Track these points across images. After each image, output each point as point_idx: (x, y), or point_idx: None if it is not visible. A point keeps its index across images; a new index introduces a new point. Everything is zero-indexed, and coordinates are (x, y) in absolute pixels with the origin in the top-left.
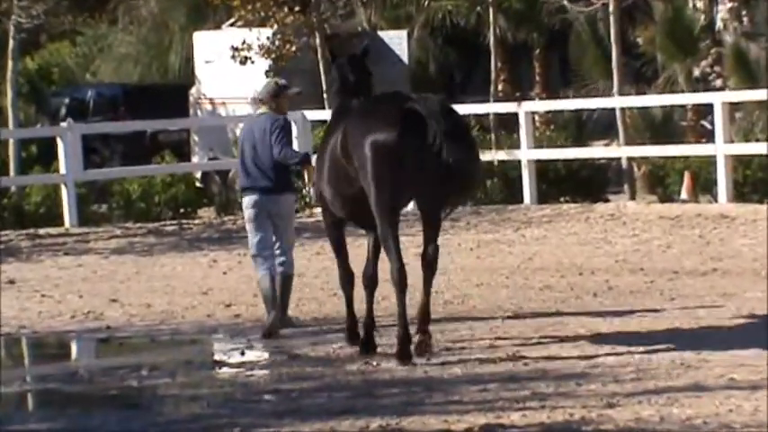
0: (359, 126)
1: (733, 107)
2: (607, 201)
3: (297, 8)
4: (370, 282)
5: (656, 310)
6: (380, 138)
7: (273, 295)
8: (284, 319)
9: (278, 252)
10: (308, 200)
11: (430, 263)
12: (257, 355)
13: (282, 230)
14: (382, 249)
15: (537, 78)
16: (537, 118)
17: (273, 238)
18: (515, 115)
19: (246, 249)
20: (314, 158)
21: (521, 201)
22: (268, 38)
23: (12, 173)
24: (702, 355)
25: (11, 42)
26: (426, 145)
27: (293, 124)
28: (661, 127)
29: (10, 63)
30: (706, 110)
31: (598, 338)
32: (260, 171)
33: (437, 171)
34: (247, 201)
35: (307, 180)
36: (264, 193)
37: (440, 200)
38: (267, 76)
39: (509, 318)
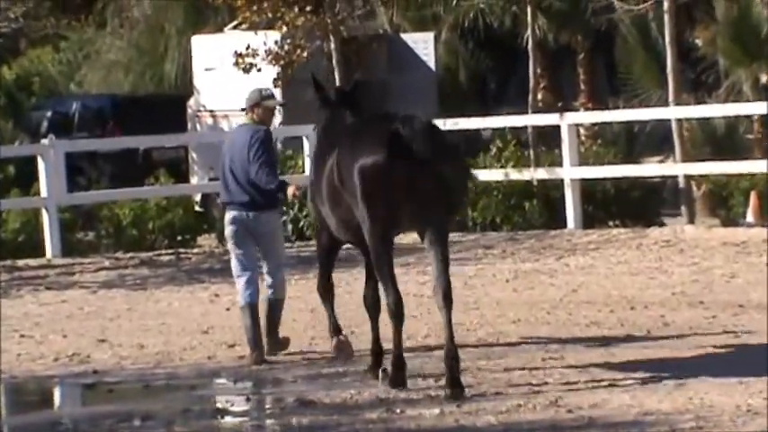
0: (347, 152)
1: None
2: (662, 225)
3: (309, 8)
4: (373, 310)
5: (718, 349)
6: (368, 162)
7: (254, 333)
8: (277, 343)
9: (265, 274)
10: (302, 225)
11: (445, 294)
12: (264, 401)
13: (267, 250)
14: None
15: (581, 86)
16: (582, 131)
17: (260, 260)
18: (557, 128)
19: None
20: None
21: (564, 225)
22: (276, 42)
23: None
24: None
25: None
26: (416, 166)
27: (305, 140)
28: (723, 141)
29: None
30: None
31: (652, 381)
32: (239, 185)
33: (427, 191)
34: (227, 217)
35: (290, 199)
36: (244, 208)
37: (440, 222)
38: (276, 86)
39: (551, 358)
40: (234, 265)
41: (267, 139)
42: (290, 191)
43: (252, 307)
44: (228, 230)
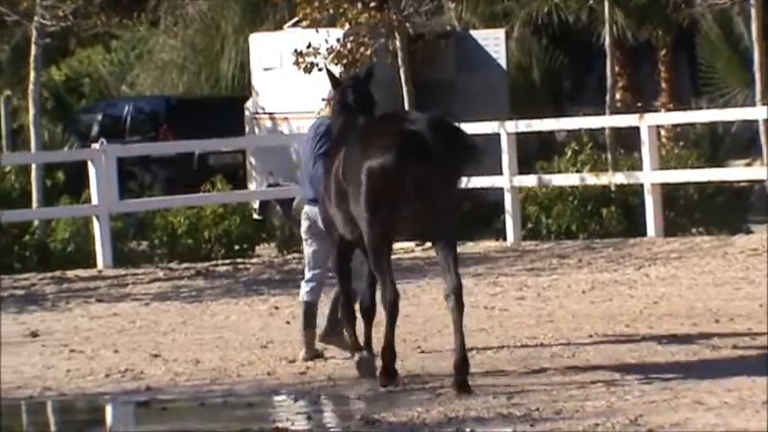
0: (356, 151)
1: None
2: (749, 232)
3: (373, 4)
4: (368, 312)
5: None
6: (376, 163)
7: (305, 331)
8: (332, 335)
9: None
10: None
11: (456, 300)
12: (327, 420)
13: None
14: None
15: (662, 85)
16: (663, 133)
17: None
18: (636, 130)
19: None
20: None
21: (644, 233)
22: (338, 40)
23: (34, 204)
24: None
25: (33, 49)
26: (427, 168)
27: None
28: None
29: (32, 74)
30: None
31: (740, 401)
32: (308, 180)
33: (436, 193)
34: (303, 211)
35: None
36: (313, 203)
37: (447, 224)
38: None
39: (630, 374)
40: (305, 258)
41: (329, 133)
42: None
43: (306, 305)
44: (302, 225)
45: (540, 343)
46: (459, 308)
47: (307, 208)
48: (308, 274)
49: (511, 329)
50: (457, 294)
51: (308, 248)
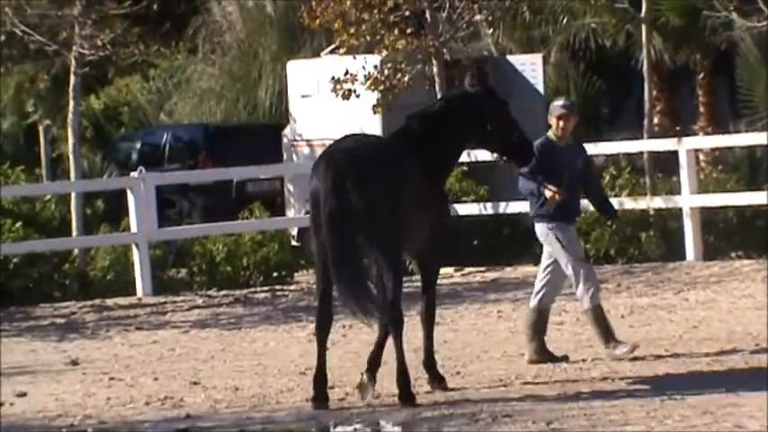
0: None
1: None
2: None
3: (409, 30)
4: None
5: None
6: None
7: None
8: (540, 351)
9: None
10: None
11: (391, 318)
12: None
13: (545, 261)
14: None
15: (700, 109)
16: (701, 156)
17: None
18: (675, 154)
19: (351, 320)
20: None
21: (683, 257)
22: (375, 66)
23: (74, 233)
24: None
25: (72, 78)
26: (328, 197)
27: None
28: None
29: (71, 103)
30: None
31: None
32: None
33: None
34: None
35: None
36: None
37: (375, 249)
38: (375, 112)
39: (670, 399)
40: None
41: (538, 151)
42: (548, 193)
43: (538, 312)
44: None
45: (579, 368)
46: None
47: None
48: (538, 284)
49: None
50: (394, 316)
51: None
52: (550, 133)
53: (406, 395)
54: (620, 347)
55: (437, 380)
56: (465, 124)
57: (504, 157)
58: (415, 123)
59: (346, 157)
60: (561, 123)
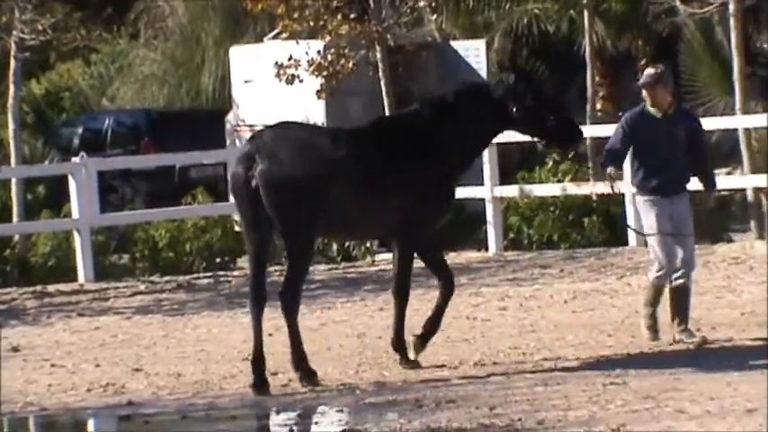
0: None
1: None
2: (730, 241)
3: (353, 15)
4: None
5: None
6: None
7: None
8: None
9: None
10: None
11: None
12: None
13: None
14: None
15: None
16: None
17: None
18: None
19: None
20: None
21: (625, 243)
22: (318, 52)
23: (15, 218)
24: None
25: (12, 63)
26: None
27: None
28: None
29: (11, 88)
30: None
31: (721, 409)
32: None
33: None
34: None
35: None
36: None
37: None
38: (318, 97)
39: (612, 384)
40: None
41: (621, 122)
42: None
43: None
44: None
45: (522, 353)
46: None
47: None
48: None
49: (493, 340)
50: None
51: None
52: (648, 104)
53: (302, 376)
54: (687, 334)
55: (408, 362)
56: (473, 114)
57: (543, 141)
58: (419, 110)
59: (263, 135)
60: (647, 94)
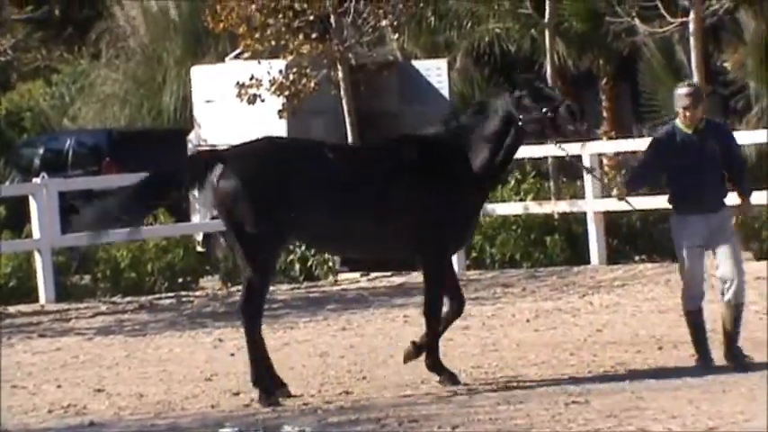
0: None
1: None
2: None
3: (314, 35)
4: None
5: (755, 391)
6: None
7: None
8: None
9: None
10: (310, 264)
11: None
12: None
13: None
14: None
15: (604, 114)
16: (605, 161)
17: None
18: (578, 158)
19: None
20: None
21: (587, 261)
22: (280, 71)
23: None
24: None
25: None
26: None
27: None
28: (756, 169)
29: None
30: None
31: (684, 427)
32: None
33: None
34: None
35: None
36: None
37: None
38: (280, 117)
39: (574, 403)
40: None
41: (653, 139)
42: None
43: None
44: None
45: (484, 372)
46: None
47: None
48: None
49: (455, 359)
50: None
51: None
52: (677, 120)
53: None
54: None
55: (446, 376)
56: (473, 132)
57: (554, 136)
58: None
59: (236, 149)
60: (686, 113)
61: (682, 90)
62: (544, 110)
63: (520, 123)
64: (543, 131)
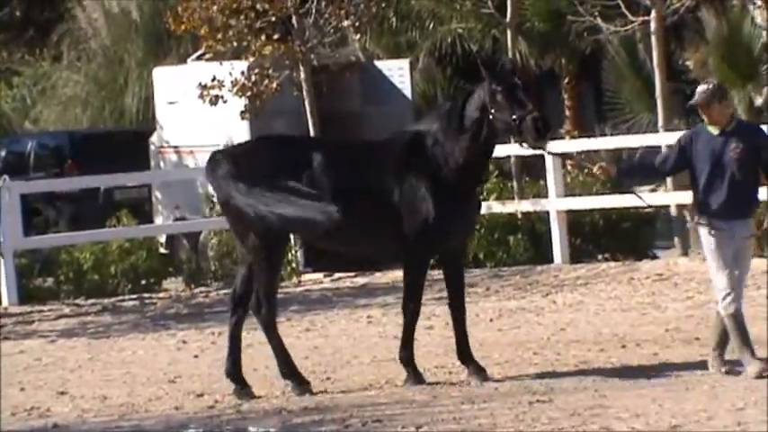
0: None
1: None
2: (654, 257)
3: (276, 36)
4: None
5: (716, 389)
6: None
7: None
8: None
9: None
10: None
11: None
12: None
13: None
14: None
15: (566, 113)
16: (568, 160)
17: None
18: (541, 158)
19: (221, 327)
20: None
21: (550, 260)
22: (242, 72)
23: None
24: None
25: None
26: None
27: None
28: None
29: None
30: None
31: (647, 426)
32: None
33: None
34: None
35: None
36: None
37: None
38: (243, 118)
39: (538, 402)
40: None
41: (677, 139)
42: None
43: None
44: None
45: (448, 371)
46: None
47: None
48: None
49: (420, 359)
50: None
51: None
52: (706, 122)
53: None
54: (754, 364)
55: (411, 375)
56: (451, 125)
57: (518, 140)
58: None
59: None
60: (703, 113)
61: (698, 88)
62: (513, 116)
63: (491, 117)
64: (506, 133)
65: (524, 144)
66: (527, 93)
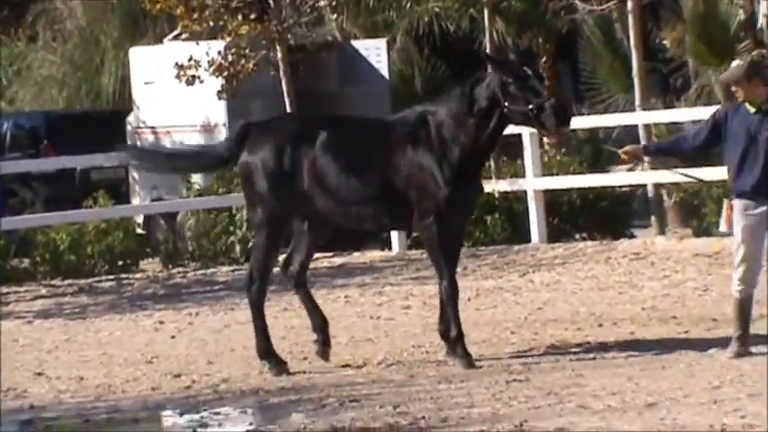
0: None
1: None
2: (631, 237)
3: (253, 15)
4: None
5: (690, 367)
6: None
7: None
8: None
9: None
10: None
11: None
12: None
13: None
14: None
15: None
16: (545, 139)
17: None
18: (518, 137)
19: (198, 308)
20: None
21: (527, 240)
22: (219, 52)
23: None
24: (747, 419)
25: None
26: None
27: None
28: None
29: None
30: None
31: (623, 404)
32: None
33: None
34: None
35: None
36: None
37: None
38: (220, 98)
39: (515, 380)
40: None
41: (709, 118)
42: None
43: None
44: None
45: (426, 351)
46: None
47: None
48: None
49: (397, 339)
50: None
51: None
52: (742, 100)
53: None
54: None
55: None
56: (461, 110)
57: (538, 128)
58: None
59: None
60: (737, 90)
61: (733, 64)
62: (530, 106)
63: (505, 110)
64: (524, 123)
65: (544, 131)
66: (540, 80)
